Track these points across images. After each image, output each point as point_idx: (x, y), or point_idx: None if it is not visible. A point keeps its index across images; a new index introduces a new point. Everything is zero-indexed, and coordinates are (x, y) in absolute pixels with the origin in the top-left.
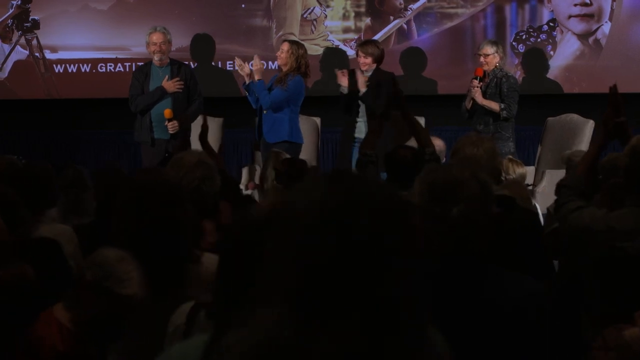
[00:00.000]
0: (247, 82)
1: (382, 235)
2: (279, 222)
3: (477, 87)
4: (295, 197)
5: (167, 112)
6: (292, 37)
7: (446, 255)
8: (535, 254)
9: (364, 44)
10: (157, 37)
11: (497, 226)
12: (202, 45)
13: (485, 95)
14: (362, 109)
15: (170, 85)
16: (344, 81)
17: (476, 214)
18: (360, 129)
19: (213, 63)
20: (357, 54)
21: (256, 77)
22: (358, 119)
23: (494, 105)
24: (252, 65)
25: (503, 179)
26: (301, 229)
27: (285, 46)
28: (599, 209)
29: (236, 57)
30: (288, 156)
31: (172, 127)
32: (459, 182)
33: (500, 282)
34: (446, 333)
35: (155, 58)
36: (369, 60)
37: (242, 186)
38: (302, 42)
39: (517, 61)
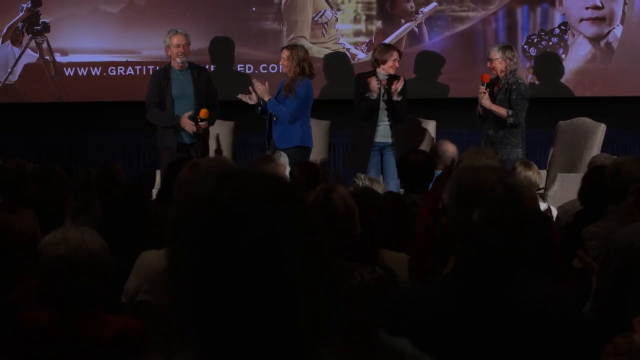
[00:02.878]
0: (260, 107)
1: (274, 230)
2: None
3: (484, 92)
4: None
5: (204, 112)
6: (302, 41)
7: (469, 258)
8: (545, 256)
9: (396, 47)
10: (179, 39)
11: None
12: (215, 48)
13: (495, 100)
14: (382, 113)
15: (187, 124)
16: (376, 88)
17: (500, 217)
18: (382, 133)
19: (225, 67)
20: (385, 58)
21: (265, 99)
22: (379, 124)
23: (502, 111)
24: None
25: None
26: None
27: (285, 53)
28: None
29: (239, 95)
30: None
31: (203, 126)
32: (484, 185)
33: (524, 286)
34: (467, 336)
35: (178, 61)
36: (398, 64)
37: None
38: (313, 45)
39: (528, 65)
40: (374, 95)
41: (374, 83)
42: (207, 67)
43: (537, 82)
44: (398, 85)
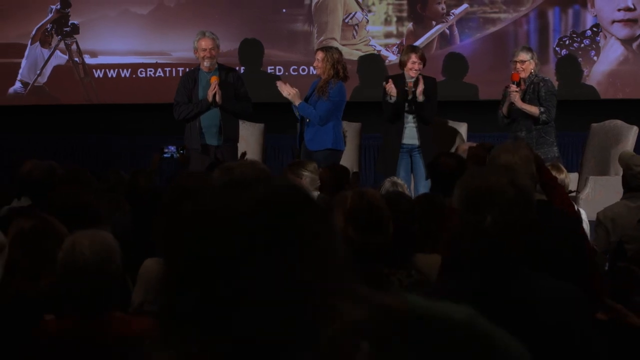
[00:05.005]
0: (297, 104)
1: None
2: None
3: (516, 91)
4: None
5: (213, 78)
6: (333, 43)
7: (481, 261)
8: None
9: (418, 49)
10: (206, 43)
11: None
12: (245, 50)
13: (523, 101)
14: (408, 115)
15: (209, 91)
16: (393, 91)
17: (512, 221)
18: (409, 135)
19: (256, 68)
20: (404, 60)
21: (296, 103)
22: (405, 125)
23: (533, 109)
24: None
25: None
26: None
27: (320, 55)
28: None
29: (278, 82)
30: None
31: (212, 88)
32: (495, 188)
33: (537, 287)
34: None
35: (205, 64)
36: (421, 65)
37: None
38: (344, 46)
39: (560, 67)
40: (392, 99)
41: (390, 86)
42: (237, 68)
43: (568, 84)
44: (420, 87)
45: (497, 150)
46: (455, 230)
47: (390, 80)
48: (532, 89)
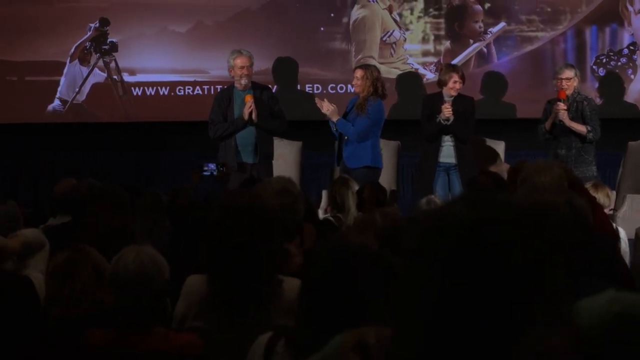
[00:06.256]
0: (335, 120)
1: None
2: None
3: (564, 109)
4: (434, 219)
5: (248, 97)
6: (371, 61)
7: None
8: (611, 276)
9: (458, 68)
10: (243, 61)
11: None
12: (283, 68)
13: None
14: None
15: (245, 109)
16: (449, 112)
17: (564, 239)
18: (446, 154)
19: (293, 86)
20: (445, 79)
21: (334, 120)
22: (443, 144)
23: (581, 128)
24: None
25: None
26: (445, 249)
27: (359, 73)
28: None
29: (317, 99)
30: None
31: (248, 107)
32: (550, 206)
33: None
34: None
35: (242, 82)
36: (461, 85)
37: (321, 210)
38: (382, 64)
39: (597, 85)
40: (445, 121)
41: (447, 109)
42: (275, 87)
43: (605, 102)
44: (446, 110)
45: (529, 169)
46: None
47: (448, 103)
48: (576, 107)
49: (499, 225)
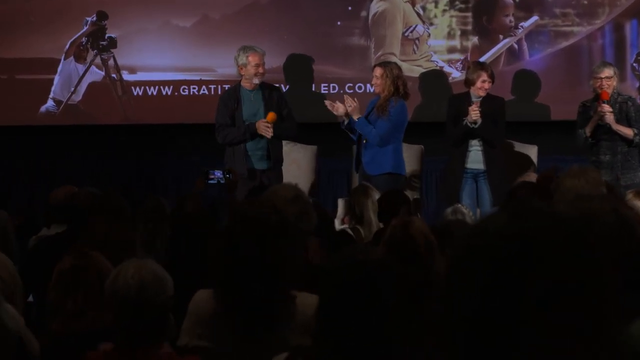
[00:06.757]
0: (346, 121)
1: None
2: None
3: (610, 111)
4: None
5: (271, 116)
6: (392, 58)
7: None
8: None
9: (487, 66)
10: (259, 59)
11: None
12: (296, 66)
13: None
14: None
15: (264, 129)
16: (477, 115)
17: (609, 248)
18: (474, 159)
19: (307, 86)
20: (472, 78)
21: (355, 117)
22: (470, 149)
23: (628, 131)
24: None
25: None
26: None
27: (378, 71)
28: None
29: (325, 101)
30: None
31: (265, 128)
32: (593, 215)
33: None
34: None
35: (255, 81)
36: (491, 84)
37: (337, 220)
38: (403, 62)
39: (638, 84)
40: (472, 125)
41: (474, 111)
42: (287, 87)
43: None
44: (473, 113)
45: (563, 175)
46: None
47: (475, 104)
48: (619, 109)
49: (548, 240)
